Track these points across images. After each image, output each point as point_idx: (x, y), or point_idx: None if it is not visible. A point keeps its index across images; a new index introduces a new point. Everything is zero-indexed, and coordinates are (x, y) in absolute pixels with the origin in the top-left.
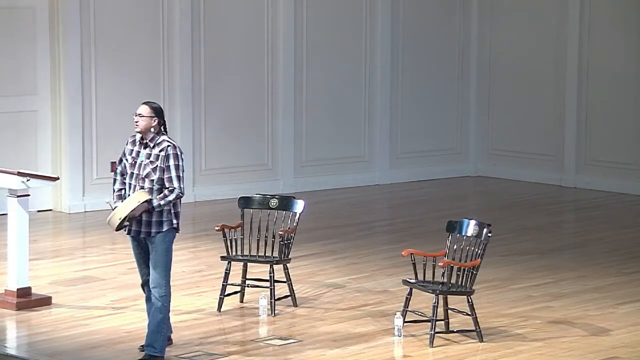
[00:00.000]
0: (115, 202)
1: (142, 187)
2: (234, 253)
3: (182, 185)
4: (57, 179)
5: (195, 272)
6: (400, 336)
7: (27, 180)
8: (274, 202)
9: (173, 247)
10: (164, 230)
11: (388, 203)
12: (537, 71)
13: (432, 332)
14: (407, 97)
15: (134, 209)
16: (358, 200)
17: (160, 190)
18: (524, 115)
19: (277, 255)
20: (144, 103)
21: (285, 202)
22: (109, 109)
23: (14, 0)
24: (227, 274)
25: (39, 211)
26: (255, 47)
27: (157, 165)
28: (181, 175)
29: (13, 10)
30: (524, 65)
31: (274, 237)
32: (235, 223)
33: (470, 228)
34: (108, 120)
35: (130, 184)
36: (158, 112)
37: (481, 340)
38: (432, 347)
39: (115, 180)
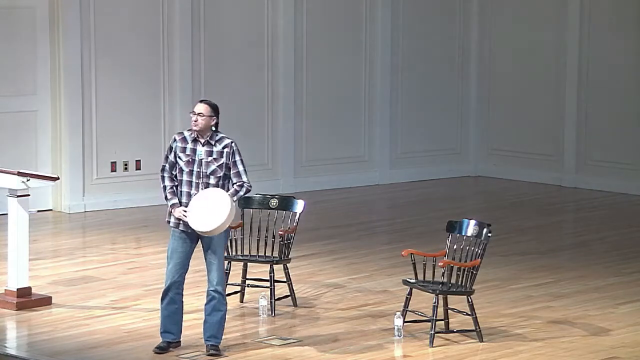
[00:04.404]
0: (169, 198)
1: (207, 184)
2: (234, 253)
3: (249, 179)
4: (57, 179)
5: (196, 272)
6: (400, 336)
7: (27, 180)
8: (274, 202)
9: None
10: None
11: (388, 203)
12: (537, 71)
13: (432, 332)
14: (407, 97)
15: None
16: (358, 200)
17: (223, 186)
18: (524, 115)
19: (277, 255)
20: (202, 101)
21: (285, 202)
22: (109, 109)
23: (14, 0)
24: (227, 274)
25: (39, 211)
26: (255, 47)
27: (222, 162)
28: (246, 169)
29: (13, 10)
30: (524, 65)
31: (274, 237)
32: (236, 223)
33: (470, 228)
34: (108, 120)
35: (190, 181)
36: (216, 111)
37: (481, 340)
38: (432, 347)
39: (163, 177)
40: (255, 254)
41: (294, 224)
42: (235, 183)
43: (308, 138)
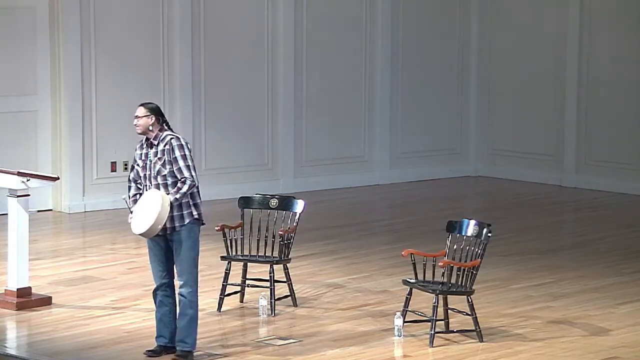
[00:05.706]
0: (131, 206)
1: (157, 185)
2: (234, 253)
3: (193, 174)
4: (57, 179)
5: None
6: (400, 336)
7: (27, 180)
8: (274, 202)
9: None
10: (186, 223)
11: (388, 203)
12: (537, 71)
13: (432, 332)
14: (407, 97)
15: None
16: (358, 200)
17: (175, 184)
18: (524, 115)
19: (277, 255)
20: (140, 105)
21: (285, 202)
22: (109, 109)
23: (14, 0)
24: (227, 274)
25: (39, 211)
26: (255, 47)
27: (165, 160)
28: (190, 164)
29: (13, 10)
30: (524, 66)
31: (274, 237)
32: (235, 223)
33: (470, 228)
34: (108, 120)
35: (146, 185)
36: (153, 110)
37: (481, 340)
38: (432, 347)
39: (129, 187)
40: (255, 254)
41: (294, 224)
42: (179, 180)
43: (308, 138)
